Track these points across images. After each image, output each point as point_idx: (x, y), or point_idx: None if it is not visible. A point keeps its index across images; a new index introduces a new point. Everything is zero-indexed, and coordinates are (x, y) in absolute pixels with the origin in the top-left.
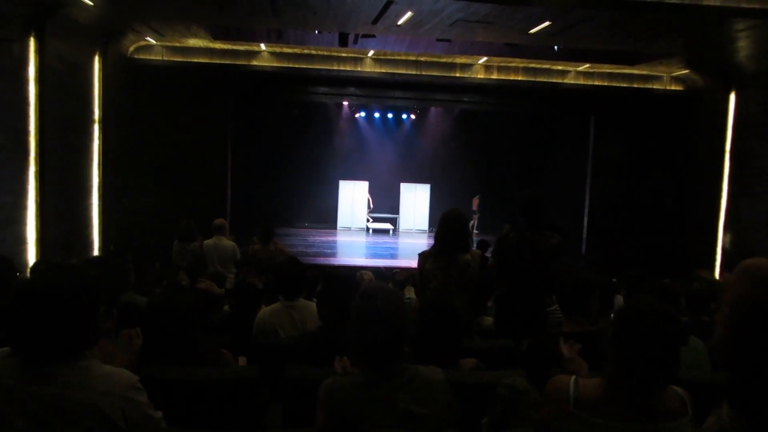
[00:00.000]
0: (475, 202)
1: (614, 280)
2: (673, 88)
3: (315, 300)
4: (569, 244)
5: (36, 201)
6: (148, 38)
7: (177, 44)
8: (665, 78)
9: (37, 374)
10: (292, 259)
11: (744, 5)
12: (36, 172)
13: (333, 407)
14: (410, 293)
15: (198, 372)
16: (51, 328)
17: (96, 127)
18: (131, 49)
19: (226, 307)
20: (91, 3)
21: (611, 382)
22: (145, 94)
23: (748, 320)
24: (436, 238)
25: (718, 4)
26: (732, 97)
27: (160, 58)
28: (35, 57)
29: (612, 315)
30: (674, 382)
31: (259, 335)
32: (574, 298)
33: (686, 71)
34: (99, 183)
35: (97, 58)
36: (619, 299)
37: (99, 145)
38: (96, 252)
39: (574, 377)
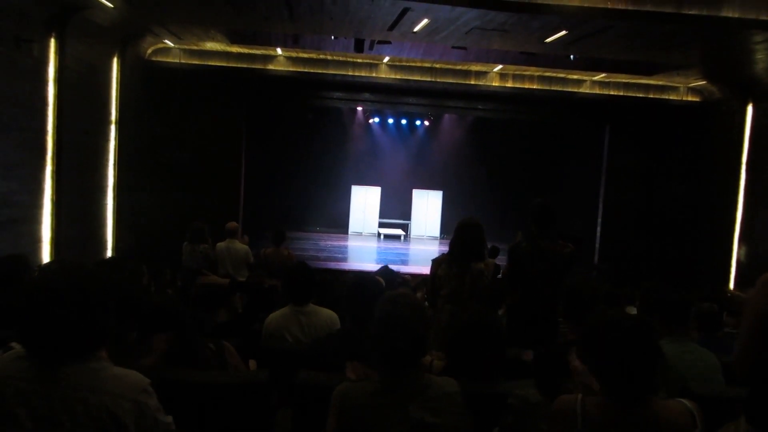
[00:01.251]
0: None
1: (626, 289)
2: (689, 99)
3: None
4: (582, 254)
5: (52, 200)
6: (166, 41)
7: (194, 47)
8: (682, 89)
9: (48, 375)
10: (302, 263)
11: (763, 17)
12: (53, 171)
13: (345, 413)
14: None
15: (208, 375)
16: (61, 328)
17: (113, 128)
18: (149, 51)
19: (239, 310)
20: (111, 5)
21: (604, 398)
22: (162, 96)
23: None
24: (451, 246)
25: (737, 15)
26: (749, 109)
27: (178, 61)
28: (55, 57)
29: None
30: (655, 389)
31: (267, 338)
32: (580, 306)
33: (703, 82)
34: (114, 183)
35: (115, 60)
36: (631, 310)
37: (115, 145)
38: (109, 252)
39: (580, 396)
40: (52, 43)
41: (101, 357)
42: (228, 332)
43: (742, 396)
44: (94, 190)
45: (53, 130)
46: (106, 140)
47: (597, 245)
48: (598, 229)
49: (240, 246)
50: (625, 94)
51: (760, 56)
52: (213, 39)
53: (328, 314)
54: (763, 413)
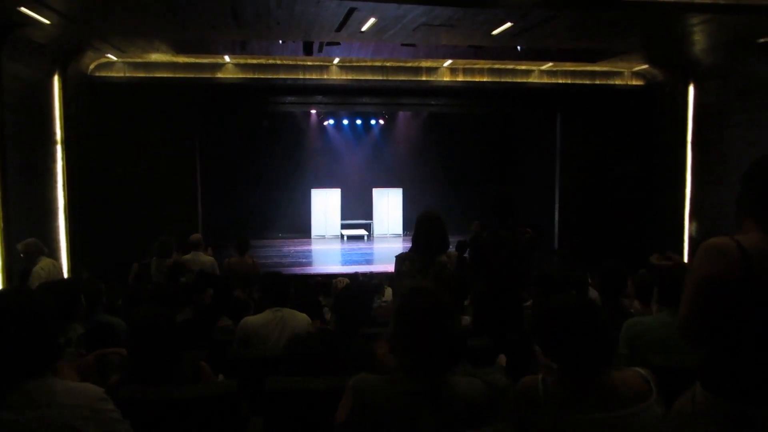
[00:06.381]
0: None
1: (587, 273)
2: (634, 83)
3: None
4: (542, 240)
5: None
6: (109, 55)
7: (139, 60)
8: (626, 73)
9: (4, 397)
10: (275, 272)
11: (697, 0)
12: None
13: (365, 408)
14: (389, 295)
15: (176, 390)
16: (15, 348)
17: (59, 148)
18: (92, 66)
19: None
20: (47, 22)
21: (562, 375)
22: (109, 111)
23: (713, 296)
24: (413, 240)
25: None
26: (691, 89)
27: (122, 75)
28: None
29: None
30: (611, 361)
31: (243, 342)
32: (553, 292)
33: (646, 66)
34: (65, 205)
35: (56, 78)
36: (593, 293)
37: (63, 165)
38: (65, 274)
39: (541, 376)
40: None
41: (53, 374)
42: (191, 330)
43: (696, 364)
44: (44, 213)
45: None
46: (53, 161)
47: (556, 230)
48: (556, 214)
49: (205, 258)
50: (572, 82)
51: (697, 38)
52: (158, 50)
53: (303, 318)
54: (716, 379)
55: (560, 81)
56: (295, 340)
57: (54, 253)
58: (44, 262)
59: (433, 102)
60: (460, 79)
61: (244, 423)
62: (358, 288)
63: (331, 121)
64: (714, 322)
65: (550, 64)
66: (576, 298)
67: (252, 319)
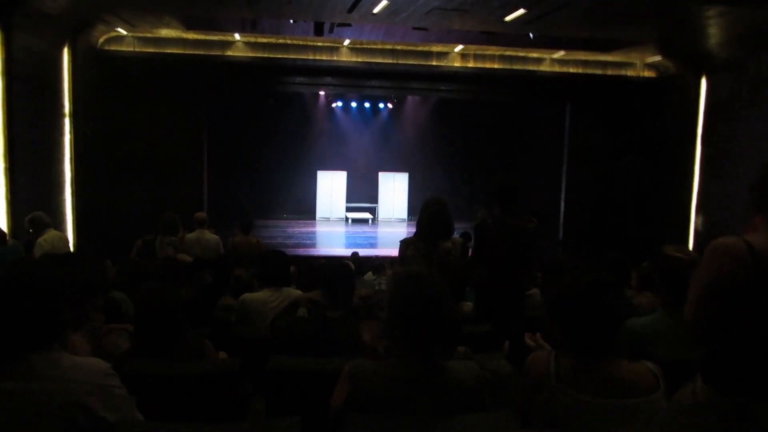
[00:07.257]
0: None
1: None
2: (646, 74)
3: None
4: (547, 229)
5: (6, 198)
6: (119, 29)
7: (149, 35)
8: (638, 64)
9: (9, 369)
10: (277, 250)
11: None
12: (5, 168)
13: (360, 395)
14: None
15: (180, 366)
16: (19, 320)
17: (66, 121)
18: (101, 40)
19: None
20: None
21: (571, 357)
22: (117, 86)
23: (723, 297)
24: (418, 226)
25: None
26: (703, 83)
27: (132, 50)
28: (1, 50)
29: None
30: (617, 351)
31: (243, 316)
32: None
33: (659, 58)
34: (71, 178)
35: (66, 50)
36: None
37: (70, 139)
38: (71, 249)
39: (554, 353)
40: None
41: (58, 348)
42: (192, 308)
43: (698, 358)
44: (50, 186)
45: (3, 125)
46: (61, 134)
47: (561, 220)
48: (562, 204)
49: (210, 236)
50: (584, 72)
51: (712, 31)
52: (168, 26)
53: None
54: (719, 374)
55: (571, 70)
56: (289, 320)
57: (59, 227)
58: (49, 234)
59: (442, 87)
60: (470, 65)
61: (247, 401)
62: (342, 267)
63: (339, 104)
64: (722, 321)
65: (562, 52)
66: (587, 276)
67: (251, 296)
